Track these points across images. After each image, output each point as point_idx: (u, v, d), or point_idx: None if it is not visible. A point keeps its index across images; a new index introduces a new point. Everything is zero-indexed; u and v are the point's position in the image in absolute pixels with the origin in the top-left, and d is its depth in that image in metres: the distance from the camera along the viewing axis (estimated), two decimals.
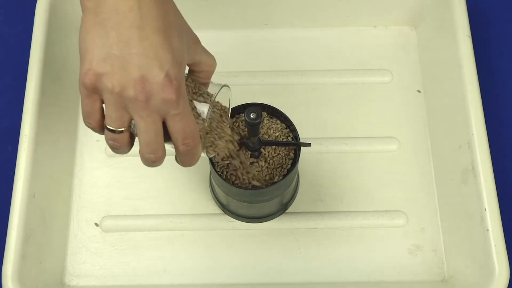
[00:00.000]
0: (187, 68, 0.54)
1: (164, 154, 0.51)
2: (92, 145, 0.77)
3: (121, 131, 0.49)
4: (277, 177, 0.62)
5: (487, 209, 0.66)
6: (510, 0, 0.85)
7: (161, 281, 0.70)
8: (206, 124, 0.54)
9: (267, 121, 0.64)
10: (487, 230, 0.65)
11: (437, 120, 0.76)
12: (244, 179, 0.61)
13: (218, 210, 0.73)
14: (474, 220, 0.67)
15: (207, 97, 0.55)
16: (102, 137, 0.76)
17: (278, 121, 0.64)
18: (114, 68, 0.46)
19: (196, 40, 0.54)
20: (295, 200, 0.74)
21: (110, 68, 0.46)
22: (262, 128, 0.63)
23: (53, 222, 0.71)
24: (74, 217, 0.73)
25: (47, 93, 0.73)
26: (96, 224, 0.73)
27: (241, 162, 0.61)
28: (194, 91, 0.55)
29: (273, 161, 0.63)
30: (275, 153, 0.63)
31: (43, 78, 0.72)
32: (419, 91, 0.79)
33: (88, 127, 0.50)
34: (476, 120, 0.69)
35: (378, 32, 0.83)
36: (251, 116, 0.56)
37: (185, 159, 0.52)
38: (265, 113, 0.64)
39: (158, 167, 0.76)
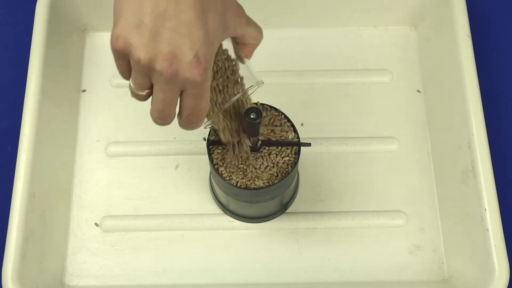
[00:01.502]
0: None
1: (172, 120, 0.52)
2: (92, 145, 0.77)
3: (143, 94, 0.50)
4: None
5: (487, 209, 0.66)
6: (510, 0, 0.85)
7: (161, 281, 0.70)
8: (219, 112, 0.55)
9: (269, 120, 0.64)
10: (487, 230, 0.65)
11: (437, 120, 0.76)
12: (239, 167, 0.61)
13: (218, 210, 0.73)
14: (474, 220, 0.67)
15: (238, 87, 0.55)
16: (102, 137, 0.77)
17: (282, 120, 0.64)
18: (144, 39, 0.45)
19: (239, 12, 0.52)
20: (295, 200, 0.74)
21: (140, 38, 0.46)
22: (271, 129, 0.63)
23: (53, 222, 0.71)
24: (74, 217, 0.73)
25: (47, 93, 0.73)
26: (96, 224, 0.73)
27: (236, 153, 0.61)
28: (227, 74, 0.55)
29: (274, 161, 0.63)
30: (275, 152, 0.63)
31: (43, 78, 0.72)
32: (419, 91, 0.79)
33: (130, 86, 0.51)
34: (476, 120, 0.69)
35: (378, 32, 0.83)
36: (251, 116, 0.56)
37: (181, 126, 0.54)
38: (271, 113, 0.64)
39: (159, 168, 0.76)
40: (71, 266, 0.71)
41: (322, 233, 0.72)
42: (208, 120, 0.56)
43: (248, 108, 0.57)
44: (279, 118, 0.63)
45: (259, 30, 0.55)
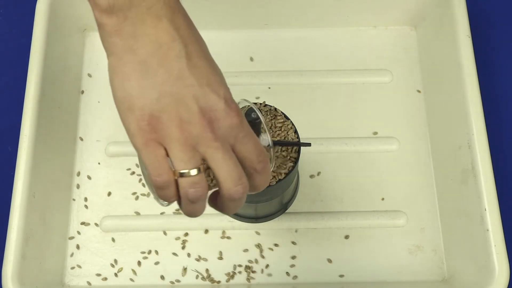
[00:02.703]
0: None
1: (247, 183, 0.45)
2: (92, 145, 0.77)
3: (198, 172, 0.43)
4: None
5: (487, 209, 0.66)
6: (510, 0, 0.85)
7: (161, 281, 0.70)
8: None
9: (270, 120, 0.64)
10: (487, 230, 0.65)
11: (437, 120, 0.76)
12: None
13: None
14: (474, 220, 0.67)
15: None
16: (102, 137, 0.77)
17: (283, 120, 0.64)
18: (171, 106, 0.41)
19: None
20: (295, 200, 0.74)
21: (167, 107, 0.41)
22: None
23: (53, 222, 0.71)
24: (74, 217, 0.74)
25: (47, 93, 0.73)
26: (96, 224, 0.73)
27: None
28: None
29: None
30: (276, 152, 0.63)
31: (43, 78, 0.72)
32: (419, 91, 0.79)
33: (159, 185, 0.43)
34: (476, 120, 0.69)
35: (378, 32, 0.83)
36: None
37: (262, 179, 0.46)
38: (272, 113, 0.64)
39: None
40: (71, 266, 0.71)
41: (322, 233, 0.72)
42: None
43: (248, 108, 0.57)
44: (279, 118, 0.63)
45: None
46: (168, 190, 0.43)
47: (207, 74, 0.43)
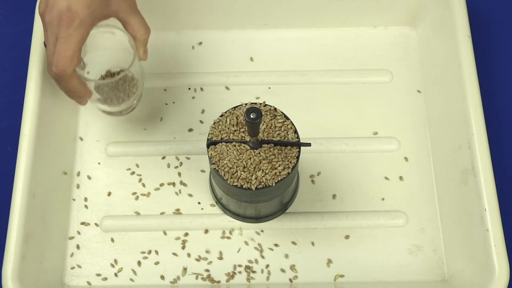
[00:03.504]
0: None
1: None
2: (92, 145, 0.77)
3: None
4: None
5: (487, 209, 0.66)
6: (510, 0, 0.85)
7: (161, 281, 0.70)
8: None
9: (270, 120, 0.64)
10: (487, 230, 0.65)
11: (437, 120, 0.76)
12: None
13: (218, 210, 0.73)
14: (474, 220, 0.67)
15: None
16: (102, 137, 0.77)
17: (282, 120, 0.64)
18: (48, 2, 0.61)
19: (130, 2, 0.65)
20: (295, 200, 0.74)
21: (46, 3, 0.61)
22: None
23: (53, 222, 0.71)
24: (74, 217, 0.74)
25: (47, 93, 0.73)
26: (96, 224, 0.73)
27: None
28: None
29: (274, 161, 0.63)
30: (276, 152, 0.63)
31: (43, 78, 0.72)
32: (419, 91, 0.79)
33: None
34: (476, 120, 0.69)
35: (378, 32, 0.83)
36: (251, 116, 0.56)
37: (58, 85, 0.64)
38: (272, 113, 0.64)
39: (159, 168, 0.76)
40: (71, 266, 0.71)
41: (322, 233, 0.72)
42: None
43: (248, 108, 0.57)
44: (279, 118, 0.64)
45: (142, 23, 0.64)
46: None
47: None
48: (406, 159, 0.76)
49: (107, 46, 0.72)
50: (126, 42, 0.69)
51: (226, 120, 0.63)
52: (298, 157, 0.62)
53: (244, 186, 0.61)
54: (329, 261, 0.71)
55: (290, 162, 0.62)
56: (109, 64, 0.74)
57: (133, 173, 0.75)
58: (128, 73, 0.69)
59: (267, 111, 0.64)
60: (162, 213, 0.73)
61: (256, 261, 0.71)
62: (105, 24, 0.68)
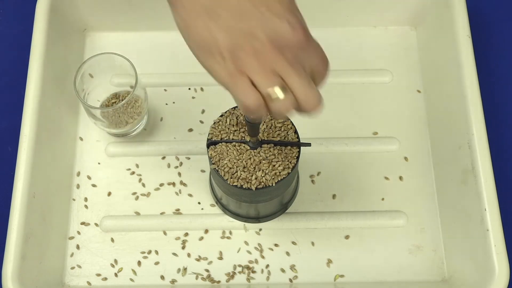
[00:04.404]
0: None
1: None
2: (92, 145, 0.77)
3: (283, 90, 0.47)
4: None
5: (487, 209, 0.66)
6: (510, 0, 0.85)
7: (161, 281, 0.70)
8: None
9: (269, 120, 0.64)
10: (487, 230, 0.65)
11: (437, 120, 0.76)
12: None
13: (218, 210, 0.73)
14: (474, 220, 0.67)
15: None
16: (102, 137, 0.77)
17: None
18: (243, 41, 0.45)
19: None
20: (295, 200, 0.74)
21: (240, 42, 0.45)
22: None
23: (53, 222, 0.71)
24: (74, 217, 0.74)
25: (47, 93, 0.73)
26: (96, 224, 0.73)
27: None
28: None
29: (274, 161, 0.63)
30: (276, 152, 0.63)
31: (43, 78, 0.72)
32: (419, 91, 0.79)
33: (252, 109, 0.47)
34: (476, 120, 0.69)
35: (378, 32, 0.83)
36: (251, 116, 0.56)
37: (323, 83, 0.52)
38: None
39: (159, 168, 0.76)
40: (71, 266, 0.71)
41: (322, 233, 0.72)
42: None
43: None
44: None
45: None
46: (260, 112, 0.47)
47: (265, 2, 0.46)
48: (406, 159, 0.76)
49: (109, 71, 0.73)
50: (127, 65, 0.70)
51: (226, 120, 0.63)
52: (298, 157, 0.62)
53: (244, 186, 0.61)
54: (329, 261, 0.71)
55: (290, 162, 0.62)
56: (113, 88, 0.75)
57: (133, 173, 0.75)
58: (132, 96, 0.70)
59: None
60: (162, 213, 0.73)
61: (256, 261, 0.71)
62: (106, 51, 0.71)
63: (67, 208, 0.74)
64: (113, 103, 0.75)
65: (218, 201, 0.73)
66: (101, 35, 0.82)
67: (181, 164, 0.76)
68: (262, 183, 0.61)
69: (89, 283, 0.70)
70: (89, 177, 0.75)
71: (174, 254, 0.72)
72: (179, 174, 0.75)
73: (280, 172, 0.62)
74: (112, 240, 0.72)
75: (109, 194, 0.74)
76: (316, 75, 0.50)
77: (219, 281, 0.70)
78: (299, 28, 0.47)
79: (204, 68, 0.47)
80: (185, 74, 0.79)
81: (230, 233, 0.72)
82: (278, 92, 0.46)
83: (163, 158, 0.76)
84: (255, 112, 0.47)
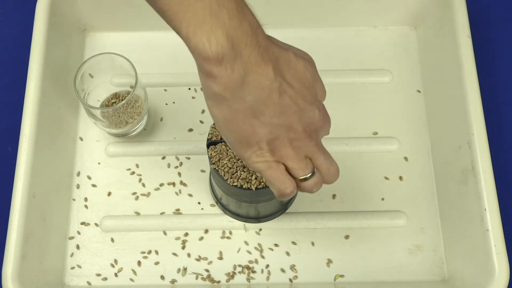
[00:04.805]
0: None
1: None
2: (92, 145, 0.77)
3: (313, 174, 0.52)
4: None
5: (487, 209, 0.66)
6: (510, 0, 0.85)
7: (161, 281, 0.70)
8: None
9: None
10: (487, 230, 0.65)
11: (437, 120, 0.76)
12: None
13: (218, 210, 0.73)
14: (474, 220, 0.67)
15: None
16: (102, 137, 0.77)
17: None
18: (281, 134, 0.49)
19: None
20: (295, 200, 0.74)
21: (278, 135, 0.48)
22: None
23: (53, 222, 0.71)
24: (74, 217, 0.74)
25: (47, 93, 0.73)
26: (96, 224, 0.73)
27: None
28: None
29: None
30: None
31: (43, 78, 0.72)
32: (419, 91, 0.79)
33: (287, 194, 0.51)
34: (476, 120, 0.69)
35: (378, 32, 0.83)
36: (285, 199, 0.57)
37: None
38: None
39: (159, 168, 0.76)
40: (71, 266, 0.71)
41: (322, 233, 0.72)
42: None
43: None
44: None
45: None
46: (293, 194, 0.52)
47: (301, 93, 0.49)
48: (406, 159, 0.76)
49: (109, 71, 0.73)
50: (127, 65, 0.70)
51: None
52: None
53: (244, 186, 0.61)
54: (329, 261, 0.71)
55: None
56: (113, 88, 0.75)
57: (133, 173, 0.75)
58: (132, 96, 0.70)
59: None
60: (162, 213, 0.73)
61: (256, 261, 0.71)
62: (106, 51, 0.71)
63: (67, 208, 0.74)
64: (113, 103, 0.75)
65: (218, 201, 0.73)
66: (101, 35, 0.82)
67: (181, 164, 0.76)
68: (262, 183, 0.61)
69: (89, 283, 0.70)
70: (89, 177, 0.75)
71: (174, 254, 0.72)
72: (179, 174, 0.75)
73: None
74: (112, 240, 0.72)
75: (109, 194, 0.74)
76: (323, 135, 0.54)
77: (219, 281, 0.70)
78: (324, 112, 0.52)
79: (238, 156, 0.50)
80: (185, 74, 0.79)
81: (230, 233, 0.72)
82: (309, 175, 0.51)
83: (163, 158, 0.76)
84: (289, 196, 0.52)
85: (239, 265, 0.71)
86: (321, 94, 0.53)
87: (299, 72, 0.49)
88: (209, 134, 0.63)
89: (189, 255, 0.71)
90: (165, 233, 0.72)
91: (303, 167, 0.50)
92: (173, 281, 0.70)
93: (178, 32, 0.43)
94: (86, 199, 0.74)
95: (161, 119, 0.78)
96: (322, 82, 0.53)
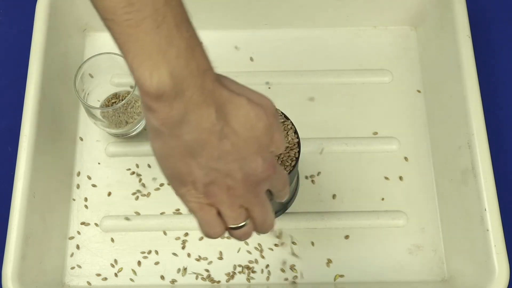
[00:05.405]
0: None
1: None
2: (92, 145, 0.77)
3: (245, 224, 0.50)
4: None
5: (487, 209, 0.66)
6: (510, 0, 0.85)
7: (161, 281, 0.70)
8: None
9: None
10: (487, 230, 0.65)
11: (437, 120, 0.76)
12: None
13: None
14: (474, 220, 0.67)
15: None
16: (102, 137, 0.77)
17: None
18: (218, 179, 0.47)
19: None
20: (295, 200, 0.74)
21: (215, 180, 0.47)
22: None
23: (53, 222, 0.71)
24: (74, 217, 0.74)
25: (47, 93, 0.73)
26: (96, 224, 0.73)
27: None
28: None
29: None
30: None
31: (43, 78, 0.72)
32: (419, 91, 0.79)
33: (214, 237, 0.51)
34: (476, 120, 0.69)
35: (378, 32, 0.83)
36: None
37: (283, 197, 0.55)
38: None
39: (159, 168, 0.76)
40: (71, 266, 0.71)
41: (322, 233, 0.72)
42: None
43: None
44: (279, 118, 0.63)
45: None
46: (220, 236, 0.51)
47: (247, 142, 0.47)
48: (406, 159, 0.76)
49: (109, 71, 0.73)
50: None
51: None
52: (298, 157, 0.62)
53: None
54: (329, 261, 0.71)
55: (290, 162, 0.62)
56: (113, 88, 0.75)
57: (133, 173, 0.75)
58: (132, 96, 0.70)
59: None
60: (162, 213, 0.73)
61: (256, 261, 0.71)
62: (106, 51, 0.70)
63: (67, 208, 0.74)
64: (113, 103, 0.75)
65: None
66: (101, 35, 0.82)
67: None
68: None
69: (89, 283, 0.70)
70: (89, 177, 0.75)
71: (174, 254, 0.72)
72: None
73: None
74: (112, 240, 0.72)
75: (109, 194, 0.74)
76: (276, 193, 0.53)
77: (219, 281, 0.70)
78: (270, 163, 0.48)
79: (175, 193, 0.50)
80: None
81: None
82: (241, 224, 0.50)
83: None
84: (214, 238, 0.51)
85: (239, 265, 0.71)
86: (278, 145, 0.49)
87: (250, 120, 0.46)
88: None
89: (189, 255, 0.71)
90: (165, 233, 0.72)
91: (236, 216, 0.49)
92: (173, 281, 0.70)
93: (125, 60, 0.43)
94: (86, 199, 0.74)
95: None
96: (282, 133, 0.50)
